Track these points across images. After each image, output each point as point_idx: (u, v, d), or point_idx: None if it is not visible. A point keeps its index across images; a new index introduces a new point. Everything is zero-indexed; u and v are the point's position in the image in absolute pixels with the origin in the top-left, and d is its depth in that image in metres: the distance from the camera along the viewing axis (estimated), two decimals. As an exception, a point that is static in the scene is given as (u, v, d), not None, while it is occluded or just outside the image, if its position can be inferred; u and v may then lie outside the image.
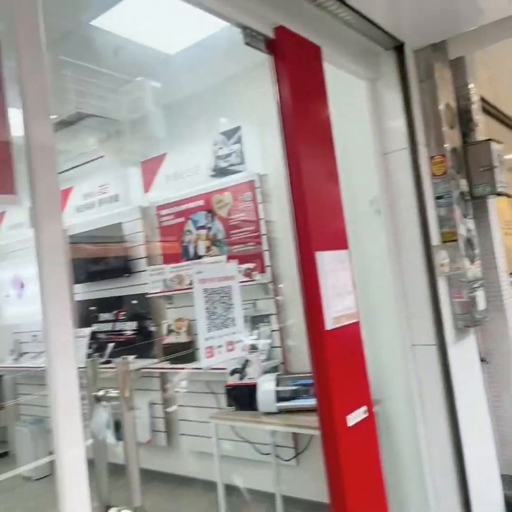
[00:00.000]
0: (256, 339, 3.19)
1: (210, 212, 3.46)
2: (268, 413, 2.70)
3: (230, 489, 3.31)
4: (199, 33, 2.83)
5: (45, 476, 4.38)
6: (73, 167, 4.33)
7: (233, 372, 2.88)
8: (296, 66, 2.04)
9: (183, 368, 3.49)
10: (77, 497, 1.09)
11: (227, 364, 2.91)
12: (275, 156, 2.03)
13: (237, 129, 3.23)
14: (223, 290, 1.53)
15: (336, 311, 1.80)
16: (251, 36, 1.87)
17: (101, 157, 4.15)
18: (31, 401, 5.08)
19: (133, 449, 1.21)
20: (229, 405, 2.89)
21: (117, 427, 4.18)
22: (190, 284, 3.41)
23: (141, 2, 2.53)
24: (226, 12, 1.75)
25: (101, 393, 1.25)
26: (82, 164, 4.26)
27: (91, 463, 1.22)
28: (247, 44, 1.88)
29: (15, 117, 1.14)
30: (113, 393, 1.23)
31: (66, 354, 1.13)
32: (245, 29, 1.84)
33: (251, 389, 2.79)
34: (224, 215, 3.37)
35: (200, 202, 3.52)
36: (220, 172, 3.29)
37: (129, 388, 1.20)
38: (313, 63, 2.13)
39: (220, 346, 1.50)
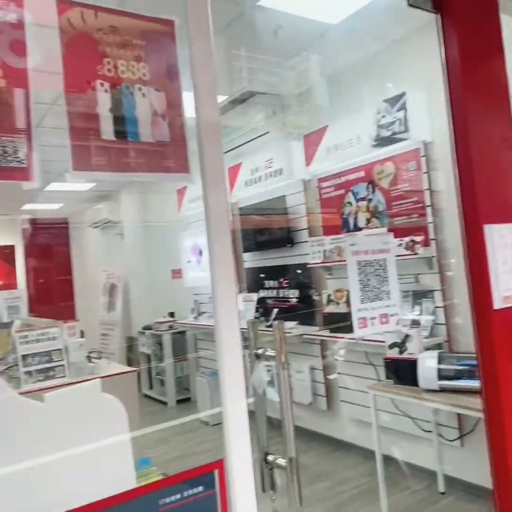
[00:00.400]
0: (418, 315, 3.10)
1: (371, 183, 3.41)
2: (429, 390, 2.64)
3: (388, 460, 3.33)
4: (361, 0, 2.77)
5: (220, 423, 4.92)
6: (242, 144, 4.62)
7: (393, 345, 2.86)
8: (467, 22, 1.88)
9: (342, 338, 3.57)
10: (240, 445, 1.25)
11: (385, 337, 2.90)
12: (443, 122, 1.93)
13: (401, 95, 3.09)
14: (378, 263, 1.54)
15: (506, 289, 1.67)
16: (415, -4, 1.78)
17: (267, 133, 4.34)
18: (209, 355, 5.70)
19: (288, 404, 1.32)
20: (388, 377, 2.89)
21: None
22: (350, 255, 3.44)
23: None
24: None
25: (260, 351, 1.38)
26: (250, 140, 4.51)
27: (252, 415, 1.38)
28: (411, 5, 1.79)
29: (188, 100, 1.28)
30: (271, 352, 1.35)
31: (230, 315, 1.28)
32: (409, -11, 1.76)
33: (411, 364, 2.74)
34: (386, 186, 3.30)
35: (361, 173, 3.48)
36: (382, 141, 3.20)
37: (284, 349, 1.31)
38: (487, 17, 1.94)
39: (373, 318, 1.53)
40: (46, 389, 2.58)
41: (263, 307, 4.54)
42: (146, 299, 7.37)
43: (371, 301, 1.52)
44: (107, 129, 1.15)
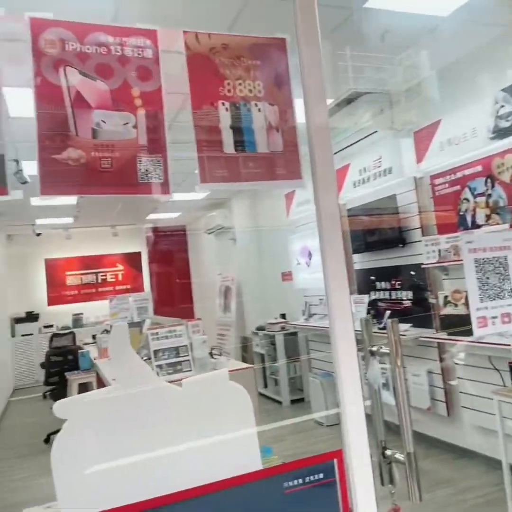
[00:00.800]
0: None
1: (490, 177, 3.23)
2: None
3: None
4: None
5: (334, 424, 4.94)
6: (350, 145, 4.62)
7: (518, 348, 2.69)
8: None
9: (461, 340, 3.42)
10: (357, 435, 1.30)
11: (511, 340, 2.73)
12: None
13: (521, 82, 2.90)
14: (498, 260, 1.49)
15: None
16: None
17: (375, 132, 4.30)
18: (321, 357, 5.75)
19: (405, 399, 1.35)
20: (513, 382, 2.72)
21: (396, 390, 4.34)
22: (468, 254, 3.29)
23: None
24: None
25: (375, 348, 1.42)
26: (358, 140, 4.50)
27: (368, 411, 1.42)
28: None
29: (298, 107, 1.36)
30: (385, 349, 1.38)
31: (344, 316, 1.34)
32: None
33: (540, 368, 2.56)
34: (507, 180, 3.10)
35: (478, 168, 3.31)
36: (501, 133, 3.02)
37: (400, 349, 1.34)
38: None
39: (494, 317, 1.48)
40: (175, 381, 2.84)
41: (374, 309, 4.49)
42: (258, 301, 7.63)
43: (491, 300, 1.48)
44: (228, 143, 1.27)
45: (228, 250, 8.75)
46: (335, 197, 1.39)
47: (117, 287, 10.96)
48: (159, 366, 2.70)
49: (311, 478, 1.26)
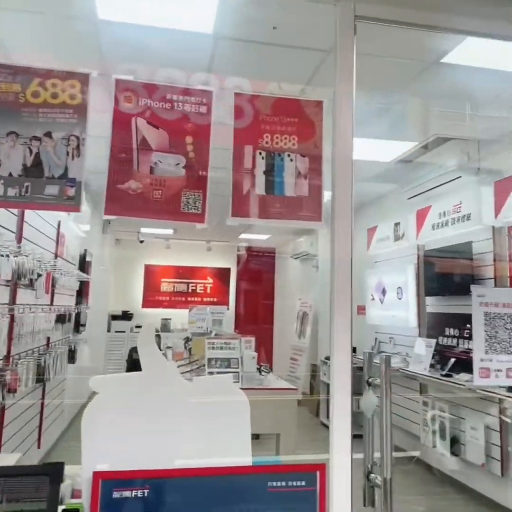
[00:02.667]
0: None
1: None
2: None
3: None
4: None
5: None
6: (433, 187, 4.65)
7: None
8: None
9: (518, 398, 3.30)
10: (342, 465, 1.44)
11: None
12: None
13: None
14: (509, 316, 1.54)
15: None
16: None
17: (459, 177, 4.30)
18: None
19: (388, 427, 1.47)
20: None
21: (453, 442, 4.33)
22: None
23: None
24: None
25: (370, 379, 1.56)
26: (442, 184, 4.52)
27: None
28: None
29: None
30: (376, 381, 1.52)
31: (343, 359, 1.51)
32: None
33: None
34: None
35: (556, 224, 3.22)
36: None
37: (389, 379, 1.47)
38: None
39: (498, 370, 1.54)
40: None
41: (440, 355, 4.41)
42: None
43: (497, 354, 1.54)
44: (260, 186, 1.53)
45: (311, 277, 8.92)
46: (349, 244, 1.57)
47: (205, 299, 11.57)
48: (210, 373, 2.98)
49: (294, 483, 1.45)
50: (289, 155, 1.55)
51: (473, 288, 1.57)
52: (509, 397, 3.43)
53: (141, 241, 9.78)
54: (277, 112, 1.56)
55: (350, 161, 1.56)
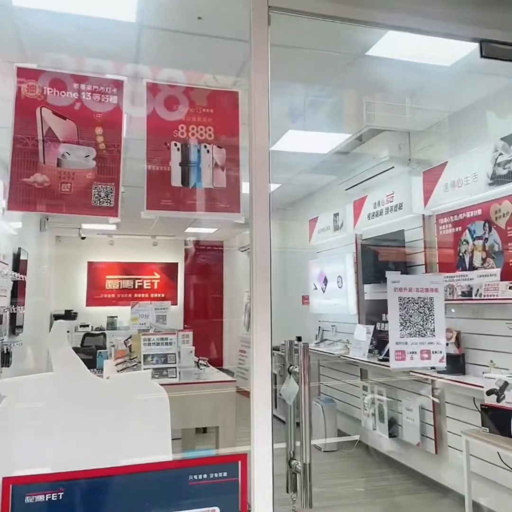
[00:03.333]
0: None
1: (488, 222, 3.29)
2: (525, 444, 2.47)
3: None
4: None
5: (332, 451, 4.99)
6: (369, 178, 4.77)
7: (490, 392, 2.73)
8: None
9: (449, 379, 3.46)
10: (263, 442, 1.46)
11: (485, 383, 2.78)
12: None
13: (519, 133, 2.98)
14: (422, 301, 1.61)
15: None
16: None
17: (392, 168, 4.43)
18: (330, 383, 5.81)
19: (307, 415, 1.49)
20: (483, 425, 2.76)
21: (391, 424, 4.47)
22: (463, 295, 3.36)
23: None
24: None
25: (291, 368, 1.58)
26: (376, 175, 4.64)
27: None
28: (484, 56, 1.85)
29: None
30: (296, 368, 1.54)
31: (263, 347, 1.52)
32: None
33: (509, 413, 2.60)
34: (502, 226, 3.16)
35: (478, 211, 3.38)
36: (498, 180, 3.10)
37: (307, 366, 1.49)
38: None
39: (413, 352, 1.60)
40: (166, 385, 3.06)
41: (378, 340, 4.56)
42: (279, 321, 7.74)
43: (411, 337, 1.60)
44: (176, 178, 1.50)
45: (257, 269, 8.96)
46: (267, 229, 1.58)
47: (153, 295, 11.39)
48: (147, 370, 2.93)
49: (216, 475, 1.45)
50: (205, 146, 1.54)
51: (388, 274, 1.62)
52: (440, 378, 3.59)
53: (83, 238, 9.50)
54: (193, 102, 1.54)
55: (267, 152, 1.56)
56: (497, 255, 3.21)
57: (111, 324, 10.53)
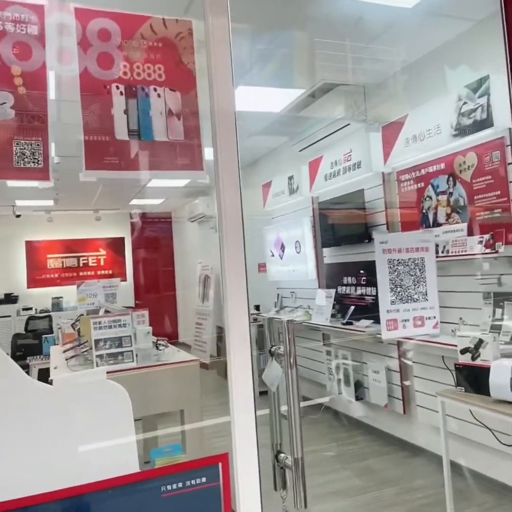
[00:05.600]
0: (498, 319, 2.84)
1: (452, 175, 3.17)
2: (502, 401, 2.41)
3: (462, 472, 3.15)
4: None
5: (302, 417, 4.91)
6: (323, 137, 4.55)
7: (464, 351, 2.65)
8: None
9: (417, 339, 3.39)
10: (247, 441, 1.25)
11: (458, 341, 2.70)
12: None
13: (484, 79, 2.83)
14: (413, 262, 1.43)
15: None
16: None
17: (348, 125, 4.23)
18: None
19: (296, 404, 1.30)
20: (458, 384, 2.69)
21: (357, 386, 4.36)
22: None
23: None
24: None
25: (274, 349, 1.37)
26: (331, 133, 4.43)
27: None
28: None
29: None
30: (280, 349, 1.34)
31: (240, 317, 1.29)
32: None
33: (484, 371, 2.53)
34: (467, 179, 3.05)
35: (441, 165, 3.25)
36: (463, 130, 2.96)
37: (293, 349, 1.29)
38: None
39: (406, 320, 1.43)
40: (115, 372, 2.78)
41: (340, 304, 4.45)
42: (235, 291, 7.56)
43: (403, 303, 1.43)
44: (121, 130, 1.21)
45: (209, 239, 8.69)
46: (237, 191, 1.33)
47: (99, 272, 10.90)
48: (99, 356, 2.65)
49: (192, 482, 1.22)
50: (155, 89, 1.25)
51: (375, 235, 1.43)
52: (409, 339, 3.51)
53: (18, 216, 8.81)
54: (136, 34, 1.24)
55: (233, 100, 1.29)
56: (462, 210, 3.11)
57: (57, 305, 10.01)
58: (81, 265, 10.68)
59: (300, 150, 4.92)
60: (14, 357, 5.50)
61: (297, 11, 3.11)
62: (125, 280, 10.85)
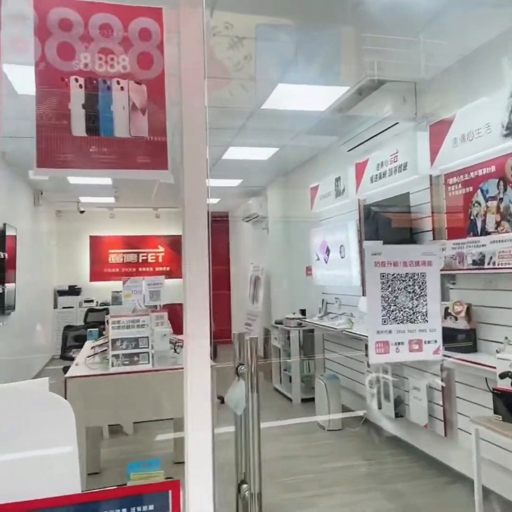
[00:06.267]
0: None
1: (503, 179, 2.86)
2: (543, 436, 2.13)
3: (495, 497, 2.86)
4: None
5: (337, 429, 4.72)
6: (370, 138, 4.32)
7: (504, 375, 2.38)
8: None
9: (451, 357, 3.10)
10: (201, 469, 1.13)
11: (498, 364, 2.42)
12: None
13: (540, 71, 2.52)
14: (411, 278, 1.25)
15: None
16: None
17: (396, 124, 3.98)
18: (334, 358, 5.51)
19: (256, 432, 1.16)
20: (496, 412, 2.41)
21: (397, 403, 4.09)
22: (474, 263, 2.97)
23: None
24: None
25: (242, 368, 1.24)
26: (379, 133, 4.19)
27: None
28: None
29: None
30: (243, 369, 1.20)
31: (201, 328, 1.18)
32: None
33: (524, 400, 2.25)
34: (520, 183, 2.74)
35: (491, 168, 2.95)
36: (515, 129, 2.66)
37: (256, 368, 1.15)
38: None
39: (399, 343, 1.25)
40: (129, 373, 2.76)
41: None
42: (284, 293, 7.45)
43: (397, 323, 1.25)
44: (79, 125, 1.14)
45: (262, 240, 8.61)
46: (204, 191, 1.22)
47: (157, 268, 11.18)
48: (115, 356, 2.63)
49: (139, 509, 1.12)
50: (118, 82, 1.17)
51: (365, 245, 1.26)
52: (448, 356, 3.23)
53: (82, 212, 9.21)
54: (101, 23, 1.16)
55: (203, 96, 1.18)
56: (513, 218, 2.80)
57: (116, 299, 10.35)
58: (140, 261, 10.99)
59: (348, 150, 4.70)
60: (64, 349, 5.70)
61: (341, 5, 2.94)
62: (181, 277, 11.03)
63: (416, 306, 1.25)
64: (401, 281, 1.24)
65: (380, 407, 4.21)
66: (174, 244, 10.99)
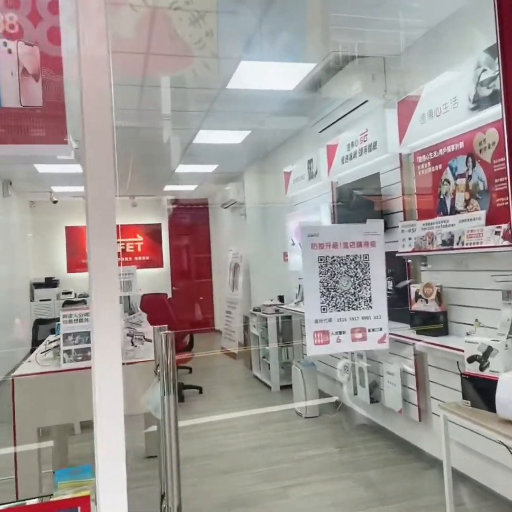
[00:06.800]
0: (516, 321, 2.44)
1: (471, 156, 2.75)
2: (509, 421, 2.04)
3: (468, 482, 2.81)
4: None
5: (314, 417, 4.65)
6: (340, 118, 4.18)
7: (472, 359, 2.29)
8: None
9: (427, 342, 3.01)
10: (113, 492, 1.00)
11: (467, 347, 2.33)
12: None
13: (507, 40, 2.38)
14: (353, 260, 1.12)
15: None
16: None
17: (366, 102, 3.84)
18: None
19: (173, 445, 1.03)
20: (464, 397, 2.33)
21: (372, 387, 3.99)
22: (443, 244, 2.87)
23: None
24: None
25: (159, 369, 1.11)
26: (348, 112, 4.05)
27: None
28: None
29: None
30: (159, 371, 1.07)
31: (110, 318, 1.04)
32: None
33: (493, 384, 2.16)
34: (488, 160, 2.62)
35: (460, 144, 2.83)
36: (482, 102, 2.54)
37: (173, 367, 1.03)
38: None
39: (340, 333, 1.13)
40: (83, 369, 2.62)
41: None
42: (263, 280, 7.35)
43: (338, 310, 1.12)
44: (-42, 94, 0.98)
45: (240, 226, 8.48)
46: (111, 172, 1.08)
47: (137, 258, 10.99)
48: (67, 352, 2.49)
49: (43, 526, 1.00)
50: (5, 44, 1.01)
51: (300, 226, 1.13)
52: (418, 340, 3.14)
53: (55, 201, 8.95)
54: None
55: (105, 58, 1.03)
56: (482, 195, 2.69)
57: (96, 290, 10.15)
58: (119, 250, 10.80)
59: (320, 131, 4.56)
60: (35, 342, 5.53)
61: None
62: (161, 266, 10.89)
63: (359, 292, 1.12)
64: (342, 265, 1.11)
65: (356, 393, 4.14)
66: (153, 232, 10.80)
